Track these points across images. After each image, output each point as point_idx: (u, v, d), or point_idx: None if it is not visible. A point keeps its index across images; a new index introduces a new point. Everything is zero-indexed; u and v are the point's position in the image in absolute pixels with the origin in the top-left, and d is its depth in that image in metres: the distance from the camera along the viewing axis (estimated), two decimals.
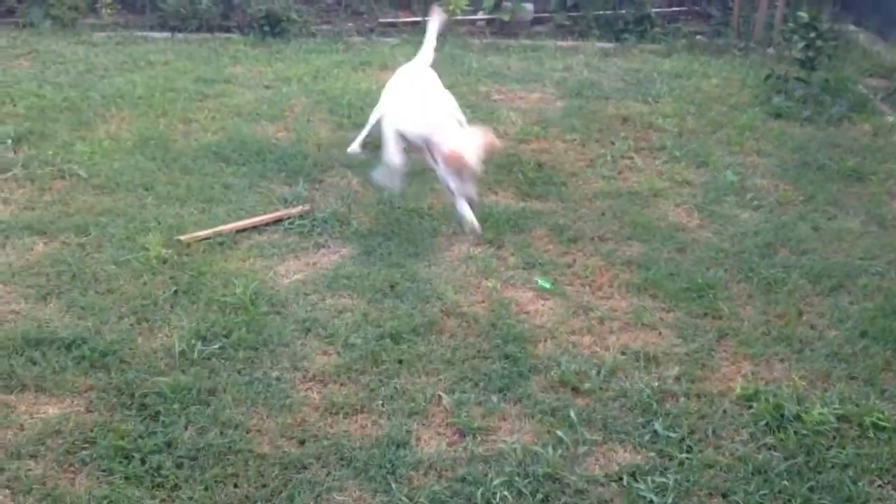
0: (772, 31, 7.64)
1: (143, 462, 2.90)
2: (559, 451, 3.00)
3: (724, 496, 2.87)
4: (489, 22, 8.22)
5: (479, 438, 3.08)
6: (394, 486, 2.85)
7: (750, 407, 3.25)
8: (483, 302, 3.87)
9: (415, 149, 4.67)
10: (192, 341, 3.46)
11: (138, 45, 7.25)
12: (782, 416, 3.18)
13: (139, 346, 3.47)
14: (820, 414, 3.17)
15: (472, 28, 8.16)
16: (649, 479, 2.90)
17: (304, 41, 7.53)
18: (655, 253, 4.29)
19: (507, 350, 3.52)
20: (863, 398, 3.29)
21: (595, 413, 3.20)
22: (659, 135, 5.74)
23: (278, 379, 3.33)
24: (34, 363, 3.34)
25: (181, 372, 3.32)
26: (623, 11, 8.12)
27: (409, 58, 7.04)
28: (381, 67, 6.88)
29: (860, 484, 2.91)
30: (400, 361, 3.44)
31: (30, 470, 2.87)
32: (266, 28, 7.57)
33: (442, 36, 7.63)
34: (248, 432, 3.06)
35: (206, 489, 2.81)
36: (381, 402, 3.23)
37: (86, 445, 2.97)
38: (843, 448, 3.05)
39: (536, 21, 8.31)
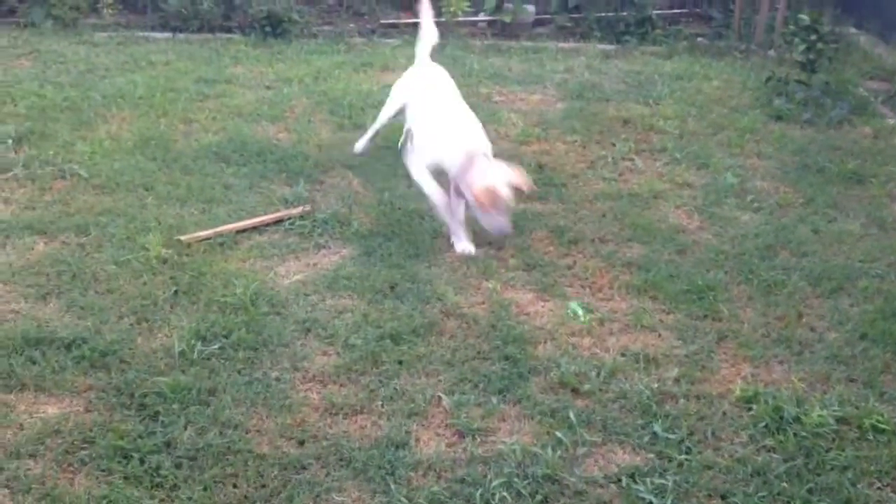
0: (773, 33, 7.64)
1: (142, 462, 2.90)
2: (558, 453, 3.00)
3: (723, 498, 2.87)
4: (490, 23, 8.23)
5: (479, 439, 3.08)
6: (393, 486, 2.85)
7: (749, 409, 3.25)
8: (483, 303, 3.87)
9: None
10: (192, 341, 3.46)
11: (139, 46, 7.26)
12: (782, 418, 3.18)
13: (139, 346, 3.47)
14: (819, 416, 3.17)
15: (473, 29, 8.17)
16: (648, 480, 2.90)
17: (306, 42, 7.55)
18: (656, 255, 4.29)
19: (506, 351, 3.52)
20: (862, 400, 3.29)
21: (594, 414, 3.20)
22: (660, 137, 5.74)
23: (278, 379, 3.33)
24: (34, 363, 3.34)
25: (181, 372, 3.32)
26: (624, 13, 8.13)
27: (410, 59, 7.06)
28: (383, 68, 6.89)
29: (859, 486, 2.91)
30: (400, 362, 3.44)
31: (29, 469, 2.87)
32: (267, 29, 7.58)
33: (443, 37, 7.69)
34: (247, 432, 3.06)
35: (205, 489, 2.81)
36: (380, 402, 3.23)
37: (85, 445, 2.97)
38: (843, 450, 3.05)
39: (538, 23, 8.32)
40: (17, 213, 4.46)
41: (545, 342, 3.61)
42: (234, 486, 2.84)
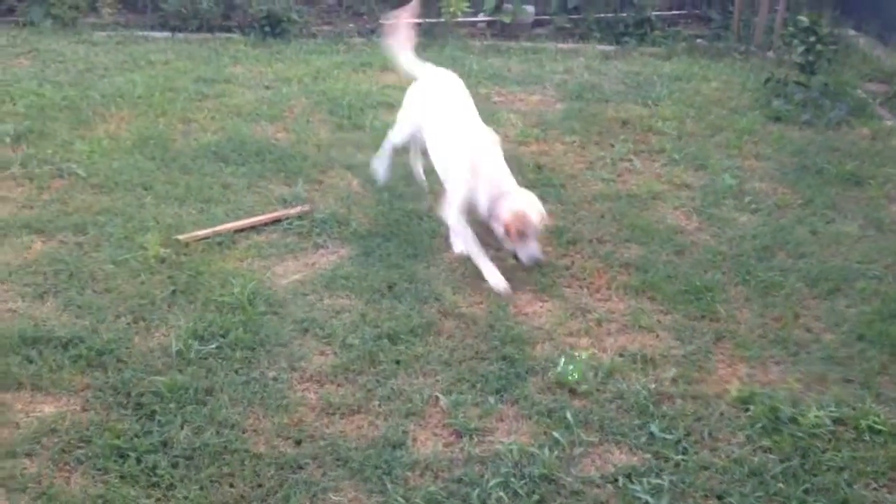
0: (772, 34, 7.65)
1: (138, 461, 2.90)
2: (555, 453, 3.01)
3: (720, 498, 2.87)
4: (490, 24, 8.23)
5: (476, 439, 3.08)
6: (390, 486, 2.85)
7: (746, 409, 3.25)
8: (481, 303, 3.87)
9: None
10: (190, 341, 3.46)
11: (139, 45, 7.26)
12: (778, 418, 3.18)
13: (136, 345, 3.47)
14: (816, 417, 3.17)
15: (472, 30, 8.18)
16: (645, 480, 2.90)
17: (305, 42, 7.55)
18: (654, 255, 4.29)
19: (504, 351, 3.52)
20: (859, 401, 3.29)
21: (592, 414, 3.20)
22: (658, 138, 5.75)
23: (275, 379, 3.33)
24: (31, 362, 3.34)
25: (178, 371, 3.32)
26: (623, 14, 8.14)
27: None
28: (382, 69, 6.88)
29: (855, 487, 2.92)
30: (397, 362, 3.44)
31: (25, 468, 2.87)
32: (267, 28, 7.58)
33: (442, 37, 7.70)
34: (244, 432, 3.06)
35: (201, 489, 2.81)
36: (377, 402, 3.23)
37: (81, 444, 2.97)
38: (839, 451, 3.05)
39: (537, 23, 8.32)
40: (15, 212, 4.45)
41: (543, 342, 3.61)
42: (231, 485, 2.84)
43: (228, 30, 7.71)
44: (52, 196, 4.63)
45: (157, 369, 3.33)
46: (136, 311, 3.68)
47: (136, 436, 3.00)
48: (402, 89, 6.33)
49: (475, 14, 8.21)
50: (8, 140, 5.19)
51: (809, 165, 5.37)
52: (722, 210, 4.82)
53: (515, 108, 6.22)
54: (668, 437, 3.10)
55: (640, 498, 2.84)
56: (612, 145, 5.59)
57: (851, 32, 7.85)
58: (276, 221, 4.45)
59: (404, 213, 4.59)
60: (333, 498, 2.82)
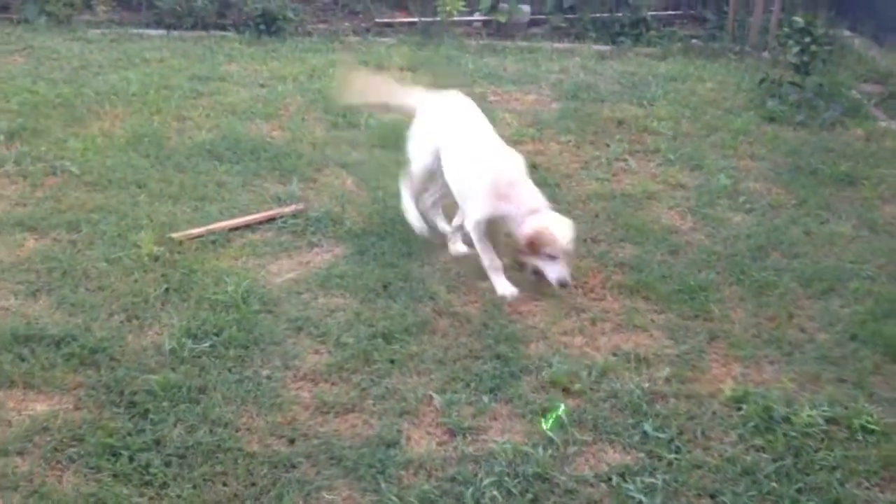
0: (767, 35, 7.66)
1: (131, 460, 2.89)
2: (549, 451, 3.00)
3: (713, 497, 2.88)
4: (485, 23, 8.23)
5: (470, 438, 3.08)
6: (383, 485, 2.85)
7: (739, 408, 3.25)
8: (476, 302, 3.87)
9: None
10: (183, 339, 3.45)
11: (133, 43, 7.24)
12: (771, 417, 3.19)
13: (129, 343, 3.46)
14: (809, 416, 3.18)
15: (468, 29, 8.18)
16: (638, 479, 2.90)
17: (300, 40, 7.54)
18: (648, 255, 4.30)
19: (498, 350, 3.52)
20: (852, 401, 3.30)
21: (585, 413, 3.20)
22: (653, 138, 5.75)
23: (269, 378, 3.32)
24: (23, 360, 3.33)
25: (171, 370, 3.31)
26: (619, 14, 8.15)
27: (403, 58, 7.13)
28: (377, 67, 6.88)
29: (848, 486, 2.92)
30: (392, 361, 3.44)
31: (17, 467, 2.85)
32: (262, 26, 7.57)
33: (438, 36, 7.69)
34: (237, 431, 3.05)
35: (194, 487, 2.81)
36: (371, 401, 3.23)
37: (74, 443, 2.96)
38: (832, 450, 3.06)
39: (533, 23, 8.33)
40: (8, 210, 4.44)
41: (537, 341, 3.61)
42: (224, 484, 2.84)
43: (223, 28, 7.70)
44: (46, 194, 4.61)
45: (150, 368, 3.32)
46: (130, 309, 3.67)
47: (129, 434, 2.99)
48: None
49: (471, 13, 8.21)
50: (2, 137, 5.17)
51: (804, 166, 5.39)
52: (716, 210, 4.83)
53: (511, 107, 6.22)
54: (662, 435, 3.10)
55: (633, 497, 2.84)
56: (608, 145, 5.60)
57: (846, 33, 7.87)
58: (271, 220, 4.44)
59: (399, 213, 4.57)
60: (327, 497, 2.81)
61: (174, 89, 6.11)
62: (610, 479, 2.91)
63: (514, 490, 2.85)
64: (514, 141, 5.56)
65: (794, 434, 3.12)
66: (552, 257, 3.79)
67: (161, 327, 3.56)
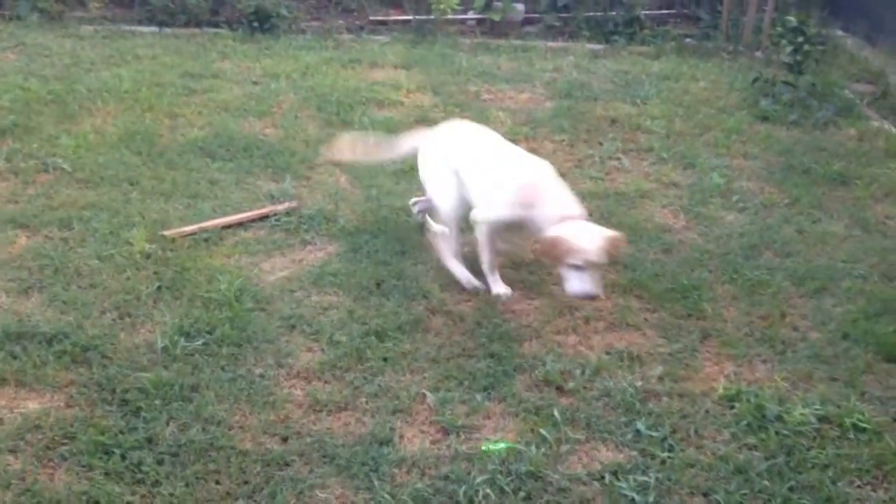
0: (760, 34, 7.68)
1: (123, 458, 2.88)
2: (542, 450, 3.01)
3: (705, 495, 2.89)
4: (479, 21, 8.22)
5: (463, 437, 3.08)
6: (376, 483, 2.85)
7: (732, 407, 3.26)
8: (469, 300, 3.86)
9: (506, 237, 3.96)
10: (175, 337, 3.44)
11: (126, 40, 7.20)
12: (764, 416, 3.20)
13: (121, 341, 3.45)
14: (801, 415, 3.19)
15: (462, 27, 8.17)
16: (631, 477, 2.91)
17: (294, 37, 7.51)
18: (641, 254, 4.30)
19: (492, 349, 3.52)
20: (844, 399, 3.31)
21: (578, 412, 3.20)
22: (647, 136, 5.76)
23: (262, 376, 3.31)
24: (15, 357, 3.31)
25: (163, 368, 3.30)
26: (613, 13, 8.15)
27: (397, 56, 7.12)
28: (371, 65, 6.88)
29: (840, 484, 2.93)
30: (385, 359, 3.44)
31: (8, 465, 2.84)
32: (255, 24, 7.54)
33: (432, 35, 7.68)
34: (230, 429, 3.04)
35: (186, 486, 2.80)
36: (365, 399, 3.23)
37: (66, 441, 2.95)
38: (824, 449, 3.07)
39: (527, 21, 8.33)
40: (0, 207, 4.41)
41: (530, 340, 3.62)
42: (217, 482, 2.83)
43: (216, 25, 7.66)
44: (38, 191, 4.59)
45: (142, 366, 3.31)
46: (122, 306, 3.66)
47: (121, 432, 2.98)
48: (392, 85, 6.42)
49: (465, 11, 8.20)
50: None
51: (796, 165, 5.40)
52: (709, 209, 4.84)
53: (505, 105, 6.22)
54: (655, 434, 3.11)
55: (626, 495, 2.85)
56: (601, 144, 5.60)
57: (839, 33, 7.90)
58: (264, 218, 4.43)
59: (392, 210, 4.58)
60: (320, 495, 2.81)
61: (166, 86, 6.09)
62: (603, 477, 2.92)
63: (507, 488, 2.85)
64: (507, 140, 5.56)
65: (786, 432, 3.13)
66: (577, 268, 3.55)
67: (153, 325, 3.55)
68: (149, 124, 5.45)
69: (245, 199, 4.61)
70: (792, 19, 6.58)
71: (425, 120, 5.79)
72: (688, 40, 7.97)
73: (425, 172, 4.06)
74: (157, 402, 3.12)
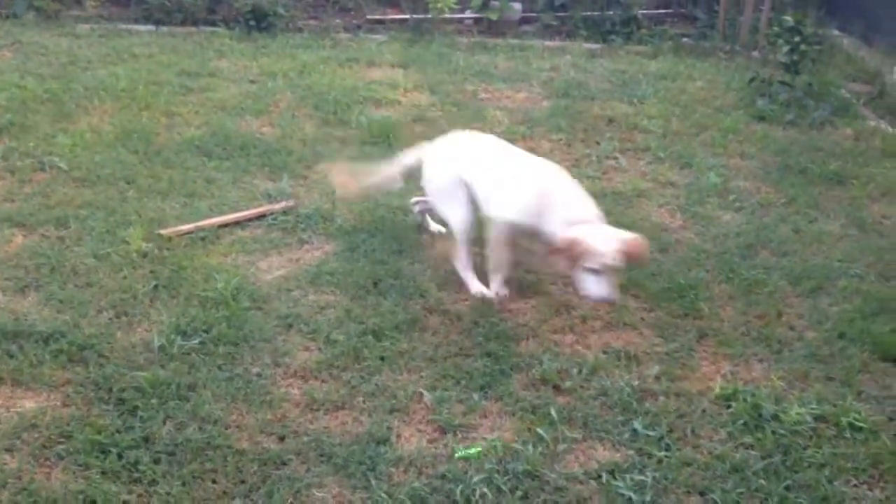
0: (757, 34, 7.69)
1: (120, 457, 2.88)
2: (539, 449, 3.01)
3: (702, 494, 2.89)
4: (477, 21, 8.22)
5: (460, 436, 3.08)
6: (374, 482, 2.85)
7: (728, 406, 3.27)
8: (466, 300, 3.86)
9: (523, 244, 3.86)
10: (172, 336, 3.44)
11: (122, 38, 7.19)
12: (760, 415, 3.20)
13: (118, 340, 3.44)
14: (797, 414, 3.20)
15: (459, 26, 8.16)
16: (628, 476, 2.91)
17: (291, 36, 7.50)
18: None
19: (489, 348, 3.52)
20: (840, 399, 3.32)
21: (575, 411, 3.21)
22: (644, 136, 5.76)
23: (259, 375, 3.31)
24: (11, 356, 3.30)
25: (160, 367, 3.30)
26: (610, 13, 8.15)
27: (395, 55, 7.11)
28: (368, 64, 6.87)
29: (836, 483, 2.94)
30: (382, 358, 3.44)
31: (5, 464, 2.84)
32: (252, 22, 7.53)
33: (429, 34, 7.68)
34: (227, 428, 3.04)
35: (183, 484, 2.80)
36: (362, 398, 3.23)
37: (62, 440, 2.94)
38: (820, 448, 3.08)
39: (524, 20, 8.32)
40: None
41: (527, 339, 3.62)
42: (214, 481, 2.83)
43: (213, 23, 7.65)
44: (34, 189, 4.58)
45: (139, 364, 3.30)
46: (118, 305, 3.65)
47: (118, 431, 2.98)
48: (389, 84, 6.42)
49: (462, 11, 8.20)
50: None
51: (793, 165, 5.41)
52: (706, 208, 4.84)
53: (502, 105, 6.22)
54: (651, 433, 3.11)
55: (623, 494, 2.85)
56: (598, 143, 5.61)
57: (836, 32, 7.91)
58: (261, 216, 4.43)
59: (389, 209, 4.57)
60: (317, 494, 2.81)
61: (163, 85, 6.08)
62: (600, 476, 2.92)
63: (504, 487, 2.85)
64: (504, 139, 5.56)
65: (782, 432, 3.14)
66: (594, 271, 3.47)
67: (150, 324, 3.55)
68: (145, 123, 5.44)
69: (242, 198, 4.61)
70: (788, 19, 6.59)
71: (422, 119, 5.79)
72: (685, 40, 7.98)
73: (432, 185, 3.96)
74: (154, 401, 3.12)
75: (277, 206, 4.51)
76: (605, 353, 3.55)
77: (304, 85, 6.26)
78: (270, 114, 5.76)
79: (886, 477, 2.99)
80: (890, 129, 6.08)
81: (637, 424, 3.14)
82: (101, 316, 3.58)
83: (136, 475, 2.82)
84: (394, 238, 4.29)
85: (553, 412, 3.17)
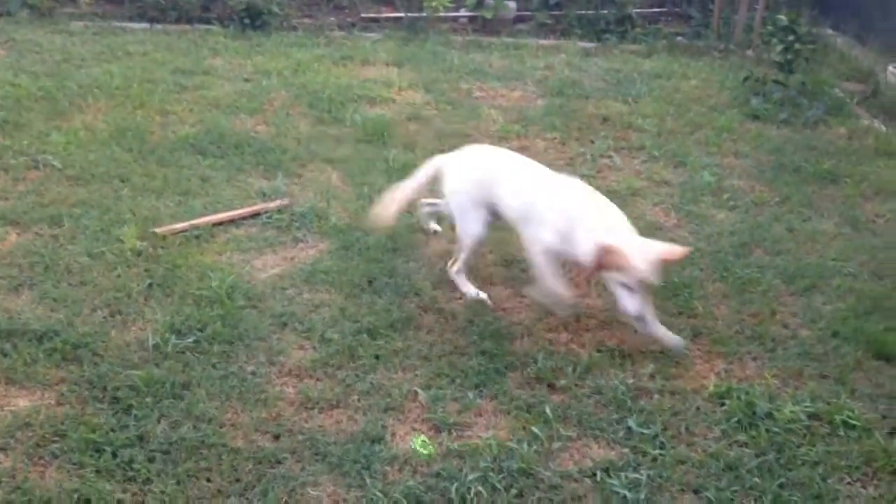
0: (751, 33, 7.71)
1: (114, 456, 2.87)
2: (534, 447, 3.02)
3: (696, 492, 2.90)
4: (471, 19, 8.22)
5: (455, 434, 3.08)
6: (368, 481, 2.85)
7: (722, 404, 3.28)
8: (460, 298, 3.87)
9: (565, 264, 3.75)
10: (167, 335, 3.43)
11: (116, 36, 7.17)
12: (754, 413, 3.21)
13: (112, 338, 3.44)
14: (791, 412, 3.21)
15: (454, 25, 8.17)
16: (623, 474, 2.92)
17: (285, 34, 7.50)
18: None
19: (483, 346, 3.53)
20: (833, 397, 3.34)
21: (570, 409, 3.21)
22: (638, 134, 5.77)
23: (254, 373, 3.31)
24: (5, 355, 3.29)
25: (155, 365, 3.29)
26: (605, 11, 8.17)
27: (389, 53, 7.11)
28: (363, 62, 6.87)
29: (830, 481, 2.95)
30: (377, 357, 3.44)
31: None
32: (246, 20, 7.52)
33: (423, 32, 7.68)
34: (221, 426, 3.04)
35: (178, 483, 2.79)
36: (356, 397, 3.23)
37: (56, 438, 2.94)
38: (814, 446, 3.09)
39: (518, 19, 8.33)
40: None
41: (522, 337, 3.62)
42: (208, 480, 2.82)
43: (208, 21, 7.64)
44: (28, 187, 4.57)
45: (133, 363, 3.30)
46: (113, 304, 3.64)
47: (112, 430, 2.97)
48: (384, 82, 6.41)
49: (457, 9, 8.20)
50: None
51: (787, 163, 5.43)
52: (700, 207, 4.85)
53: (496, 103, 6.22)
54: (646, 431, 3.12)
55: (617, 492, 2.86)
56: (593, 142, 5.61)
57: (829, 32, 7.93)
58: (255, 215, 4.42)
59: None
60: (312, 492, 2.81)
61: (157, 83, 6.06)
62: (594, 474, 2.93)
63: (498, 485, 2.86)
64: (499, 137, 5.58)
65: (776, 430, 3.15)
66: (628, 287, 3.39)
67: (144, 323, 3.54)
68: (140, 121, 5.43)
69: (236, 197, 4.60)
70: (783, 18, 6.61)
71: (417, 117, 5.79)
72: (679, 39, 8.00)
73: (455, 198, 3.83)
74: (149, 399, 3.11)
75: (272, 205, 4.50)
76: (599, 351, 3.56)
77: (298, 83, 6.26)
78: (265, 112, 5.75)
79: (880, 474, 3.00)
80: (883, 129, 6.10)
81: (631, 422, 3.15)
82: (95, 314, 3.57)
83: (130, 474, 2.81)
84: (388, 236, 4.29)
85: (548, 410, 3.18)
